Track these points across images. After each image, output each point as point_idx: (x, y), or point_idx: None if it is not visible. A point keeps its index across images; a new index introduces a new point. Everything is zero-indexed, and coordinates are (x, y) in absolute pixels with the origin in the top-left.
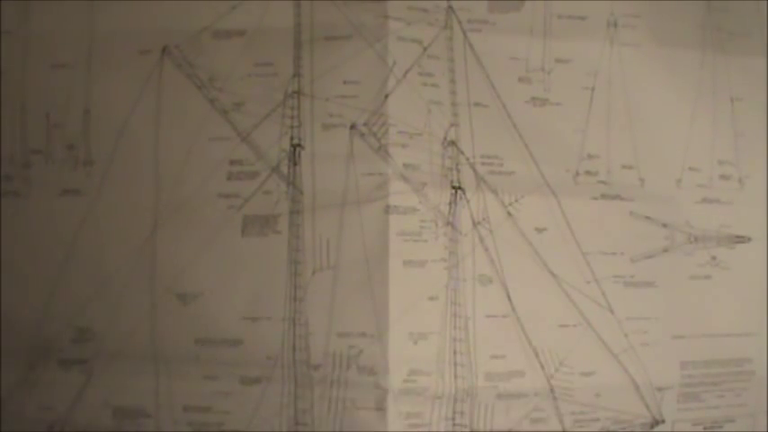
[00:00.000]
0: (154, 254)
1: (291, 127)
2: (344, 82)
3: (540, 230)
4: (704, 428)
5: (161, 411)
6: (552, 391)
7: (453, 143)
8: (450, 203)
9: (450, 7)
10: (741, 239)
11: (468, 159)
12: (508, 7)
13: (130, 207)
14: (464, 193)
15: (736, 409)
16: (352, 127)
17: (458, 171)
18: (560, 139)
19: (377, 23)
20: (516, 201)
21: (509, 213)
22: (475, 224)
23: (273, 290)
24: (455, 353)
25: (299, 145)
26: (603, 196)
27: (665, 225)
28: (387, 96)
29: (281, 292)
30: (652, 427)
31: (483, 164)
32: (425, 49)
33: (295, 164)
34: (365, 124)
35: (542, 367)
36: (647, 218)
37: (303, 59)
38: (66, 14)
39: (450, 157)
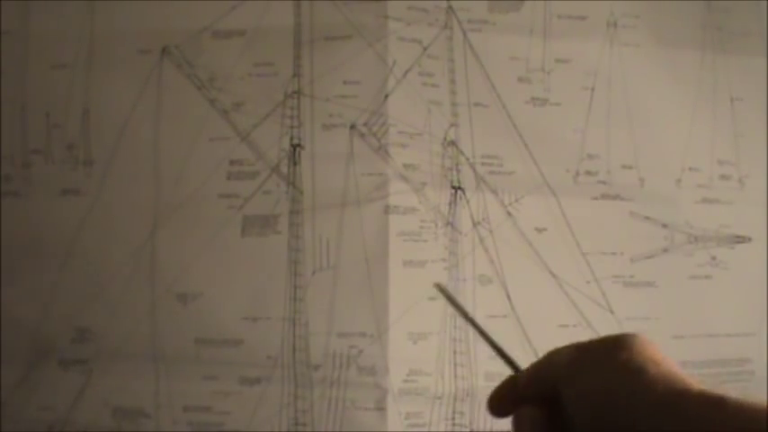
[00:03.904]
0: (154, 254)
1: (291, 127)
2: (344, 82)
3: (540, 230)
4: None
5: (161, 411)
6: None
7: (453, 143)
8: (450, 203)
9: (450, 7)
10: (741, 239)
11: (468, 159)
12: (508, 7)
13: (130, 207)
14: (464, 193)
15: None
16: (352, 127)
17: (458, 171)
18: (560, 139)
19: (377, 23)
20: (516, 201)
21: (509, 213)
22: (475, 224)
23: (273, 290)
24: (455, 353)
25: (298, 145)
26: (603, 196)
27: (664, 225)
28: (387, 96)
29: (281, 292)
30: None
31: (483, 164)
32: (425, 49)
33: (295, 164)
34: (365, 124)
35: None
36: (647, 218)
37: (303, 59)
38: (66, 14)
39: (450, 157)
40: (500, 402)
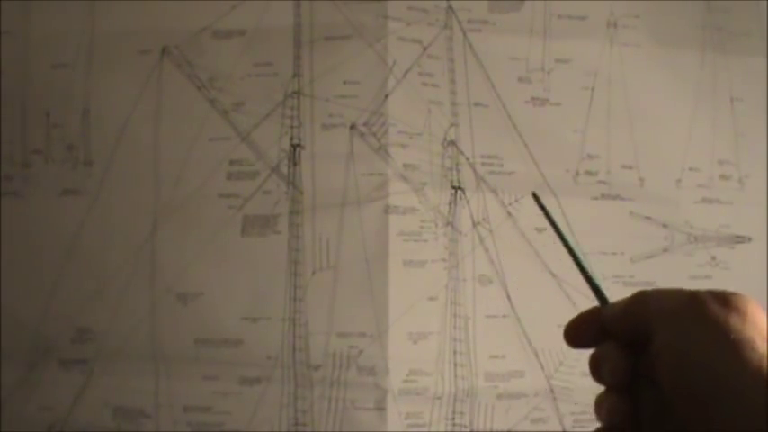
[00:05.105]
0: (154, 254)
1: (291, 127)
2: (344, 82)
3: (540, 230)
4: None
5: (161, 411)
6: (552, 391)
7: (453, 143)
8: (450, 203)
9: (450, 7)
10: (741, 239)
11: (468, 159)
12: (508, 7)
13: (130, 207)
14: (464, 193)
15: None
16: (352, 127)
17: (458, 171)
18: (560, 139)
19: (377, 23)
20: (516, 201)
21: (509, 213)
22: (475, 224)
23: (273, 290)
24: (455, 353)
25: (298, 145)
26: (603, 196)
27: (665, 225)
28: (387, 96)
29: (281, 292)
30: None
31: (483, 164)
32: (425, 49)
33: (295, 164)
34: (365, 124)
35: (542, 367)
36: (647, 218)
37: (303, 59)
38: (66, 14)
39: (450, 157)
40: (578, 332)
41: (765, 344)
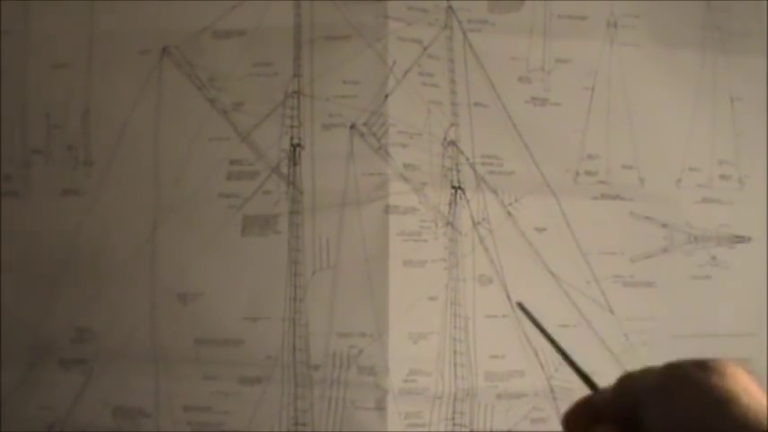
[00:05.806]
0: (154, 254)
1: (291, 127)
2: (344, 82)
3: (540, 230)
4: None
5: (161, 411)
6: (552, 391)
7: (453, 143)
8: (450, 203)
9: (450, 7)
10: (741, 239)
11: (468, 159)
12: (508, 7)
13: (130, 207)
14: (464, 193)
15: None
16: (352, 127)
17: (458, 171)
18: (560, 139)
19: (377, 23)
20: (516, 201)
21: (509, 213)
22: (475, 224)
23: (273, 290)
24: (455, 353)
25: (299, 145)
26: (603, 196)
27: (664, 225)
28: (387, 96)
29: (281, 292)
30: None
31: (483, 164)
32: (425, 49)
33: (295, 164)
34: (365, 124)
35: (542, 367)
36: (647, 218)
37: (303, 59)
38: (66, 14)
39: (450, 157)
40: (576, 422)
41: (748, 398)
